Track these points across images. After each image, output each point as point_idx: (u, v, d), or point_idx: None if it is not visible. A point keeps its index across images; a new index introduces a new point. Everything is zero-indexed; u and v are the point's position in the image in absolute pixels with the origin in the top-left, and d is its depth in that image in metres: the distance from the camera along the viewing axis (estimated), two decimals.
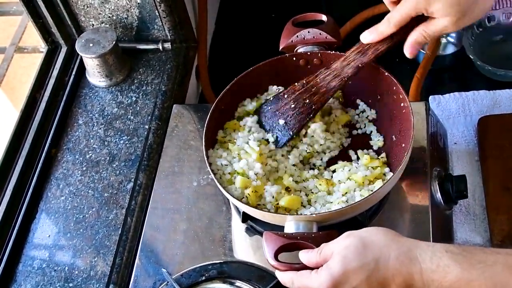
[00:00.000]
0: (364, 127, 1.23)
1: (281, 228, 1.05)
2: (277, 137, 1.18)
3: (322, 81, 1.16)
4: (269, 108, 1.20)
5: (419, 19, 1.05)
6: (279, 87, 1.26)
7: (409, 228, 1.17)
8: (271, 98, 1.21)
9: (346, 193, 1.10)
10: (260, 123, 1.21)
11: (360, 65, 1.13)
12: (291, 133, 1.17)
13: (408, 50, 1.08)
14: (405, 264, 0.87)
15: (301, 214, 1.08)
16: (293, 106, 1.17)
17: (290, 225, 1.04)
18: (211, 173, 1.13)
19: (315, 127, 1.19)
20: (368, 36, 1.11)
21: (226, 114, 1.24)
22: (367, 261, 0.88)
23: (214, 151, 1.19)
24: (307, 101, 1.16)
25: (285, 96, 1.18)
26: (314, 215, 1.04)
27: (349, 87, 1.22)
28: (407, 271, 0.87)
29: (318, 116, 1.20)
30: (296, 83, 1.18)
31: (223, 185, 1.13)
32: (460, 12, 1.00)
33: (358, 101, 1.25)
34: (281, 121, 1.17)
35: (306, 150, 1.18)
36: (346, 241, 0.92)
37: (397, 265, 0.87)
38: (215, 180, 1.12)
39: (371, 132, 1.22)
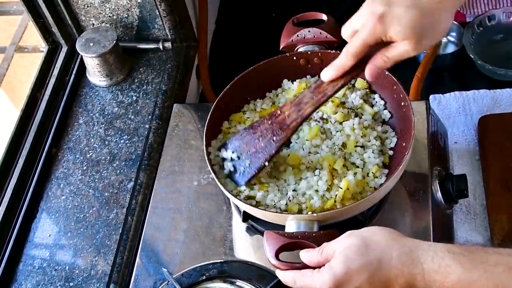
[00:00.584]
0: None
1: (282, 227, 1.05)
2: (235, 168, 1.14)
3: (287, 117, 1.11)
4: (236, 141, 1.15)
5: (379, 46, 1.01)
6: (293, 82, 1.25)
7: (410, 227, 1.17)
8: (240, 131, 1.17)
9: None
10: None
11: (318, 105, 1.09)
12: (251, 173, 1.11)
13: (368, 73, 1.02)
14: (407, 264, 0.87)
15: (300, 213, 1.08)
16: (257, 143, 1.13)
17: (291, 225, 1.04)
18: (210, 171, 1.13)
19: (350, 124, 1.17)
20: (328, 73, 1.05)
21: (226, 113, 1.24)
22: (370, 261, 0.88)
23: (216, 141, 1.19)
24: (274, 138, 1.11)
25: (251, 131, 1.14)
26: (315, 214, 1.04)
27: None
28: (409, 271, 0.87)
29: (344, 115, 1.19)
30: (261, 119, 1.14)
31: (222, 182, 1.13)
32: (420, 34, 0.96)
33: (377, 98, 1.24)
34: (247, 161, 1.13)
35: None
36: (348, 240, 0.92)
37: (399, 266, 0.87)
38: (215, 179, 1.12)
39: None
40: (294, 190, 1.11)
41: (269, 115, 1.13)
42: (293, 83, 1.26)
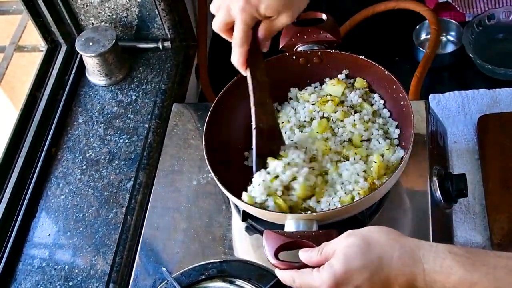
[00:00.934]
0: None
1: (281, 226, 1.05)
2: None
3: None
4: None
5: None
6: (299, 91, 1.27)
7: (409, 227, 1.17)
8: None
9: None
10: None
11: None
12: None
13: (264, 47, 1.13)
14: (408, 264, 0.87)
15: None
16: None
17: (290, 224, 1.04)
18: (210, 170, 1.13)
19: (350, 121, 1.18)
20: (238, 63, 1.12)
21: (226, 113, 1.24)
22: (370, 260, 0.88)
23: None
24: None
25: None
26: (314, 213, 1.04)
27: None
28: (410, 271, 0.87)
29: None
30: None
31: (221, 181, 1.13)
32: (288, 3, 1.05)
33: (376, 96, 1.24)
34: None
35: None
36: (348, 240, 0.92)
37: (400, 265, 0.87)
38: (214, 178, 1.12)
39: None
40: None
41: None
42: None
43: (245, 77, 1.24)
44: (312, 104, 1.21)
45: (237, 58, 1.11)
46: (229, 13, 1.08)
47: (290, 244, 1.00)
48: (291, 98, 1.27)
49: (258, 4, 1.04)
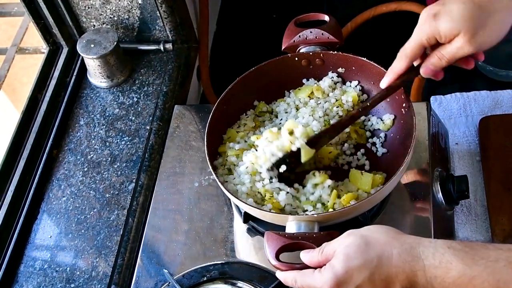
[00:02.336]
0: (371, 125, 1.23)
1: (283, 228, 1.05)
2: None
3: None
4: None
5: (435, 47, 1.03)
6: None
7: (411, 229, 1.17)
8: None
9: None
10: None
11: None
12: None
13: (423, 72, 1.06)
14: (408, 261, 0.87)
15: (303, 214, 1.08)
16: None
17: (292, 225, 1.04)
18: (212, 172, 1.13)
19: None
20: (386, 80, 1.09)
21: (227, 115, 1.24)
22: (370, 259, 0.88)
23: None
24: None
25: None
26: (315, 215, 1.04)
27: None
28: (410, 268, 0.87)
29: None
30: None
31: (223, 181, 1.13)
32: (472, 28, 0.96)
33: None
34: None
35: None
36: (348, 239, 0.92)
37: (399, 263, 0.87)
38: (216, 180, 1.12)
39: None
40: None
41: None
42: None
43: (246, 78, 1.24)
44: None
45: (390, 73, 1.08)
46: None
47: (291, 245, 1.00)
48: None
49: (441, 22, 0.98)
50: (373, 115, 1.23)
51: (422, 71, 1.05)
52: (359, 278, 0.88)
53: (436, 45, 1.02)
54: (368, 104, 1.13)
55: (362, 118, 1.23)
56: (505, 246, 0.85)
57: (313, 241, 0.99)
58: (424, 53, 1.05)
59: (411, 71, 1.08)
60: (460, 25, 0.96)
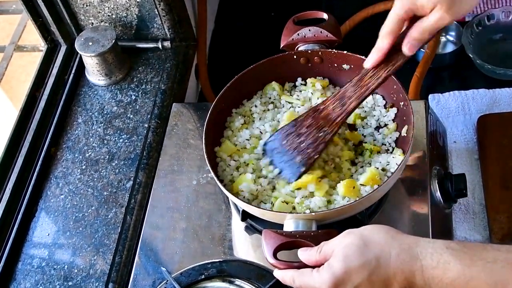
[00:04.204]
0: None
1: (281, 226, 1.05)
2: (280, 171, 1.13)
3: (331, 111, 1.11)
4: (275, 141, 1.15)
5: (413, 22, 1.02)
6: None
7: (409, 227, 1.17)
8: (277, 131, 1.16)
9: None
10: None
11: (362, 99, 1.09)
12: (302, 169, 1.10)
13: (406, 46, 1.03)
14: (406, 261, 0.87)
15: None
16: (303, 140, 1.12)
17: (289, 223, 1.04)
18: (210, 170, 1.13)
19: None
20: (370, 59, 1.06)
21: (226, 113, 1.24)
22: (369, 259, 0.88)
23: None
24: (320, 134, 1.11)
25: (293, 129, 1.13)
26: (313, 213, 1.04)
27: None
28: (409, 268, 0.87)
29: None
30: (304, 115, 1.14)
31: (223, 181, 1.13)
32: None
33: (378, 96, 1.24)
34: (298, 158, 1.11)
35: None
36: (347, 239, 0.92)
37: (398, 263, 0.87)
38: (214, 178, 1.12)
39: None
40: None
41: (312, 110, 1.14)
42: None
43: (244, 76, 1.24)
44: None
45: (374, 52, 1.05)
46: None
47: (289, 243, 1.00)
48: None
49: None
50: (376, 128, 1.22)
51: (406, 49, 1.03)
52: (358, 278, 0.88)
53: (414, 19, 1.01)
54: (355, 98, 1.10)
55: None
56: (503, 247, 0.85)
57: (311, 239, 0.99)
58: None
59: (396, 53, 1.05)
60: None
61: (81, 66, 1.58)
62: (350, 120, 1.21)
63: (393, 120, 1.19)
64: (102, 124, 1.47)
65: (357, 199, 1.06)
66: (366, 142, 1.18)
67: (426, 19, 0.99)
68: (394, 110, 1.19)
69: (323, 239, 0.96)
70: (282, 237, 1.00)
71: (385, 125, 1.20)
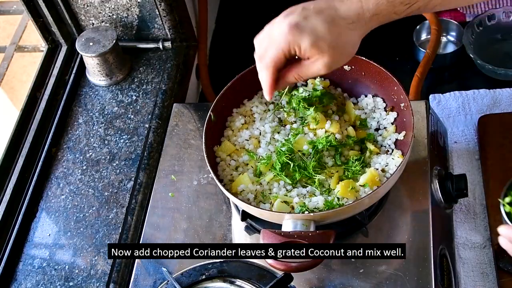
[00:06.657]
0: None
1: (280, 226, 1.05)
2: None
3: None
4: None
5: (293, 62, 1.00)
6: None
7: (409, 227, 1.17)
8: None
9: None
10: None
11: None
12: None
13: (278, 86, 1.02)
14: None
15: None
16: None
17: (288, 224, 1.04)
18: (210, 170, 1.13)
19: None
20: (266, 94, 1.03)
21: (226, 113, 1.24)
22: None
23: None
24: None
25: None
26: (311, 214, 1.04)
27: (352, 86, 1.24)
28: None
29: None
30: None
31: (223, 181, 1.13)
32: (332, 51, 0.95)
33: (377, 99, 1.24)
34: None
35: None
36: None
37: None
38: (214, 178, 1.12)
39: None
40: None
41: None
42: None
43: (245, 76, 1.24)
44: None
45: (265, 81, 1.02)
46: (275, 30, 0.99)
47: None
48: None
49: (303, 37, 0.95)
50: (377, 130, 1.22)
51: (277, 86, 1.02)
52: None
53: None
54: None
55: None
56: None
57: (308, 240, 0.99)
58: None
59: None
60: (322, 44, 0.95)
61: (82, 67, 1.58)
62: (350, 120, 1.21)
63: (393, 123, 1.19)
64: (103, 125, 1.47)
65: (356, 199, 1.06)
66: (367, 140, 1.18)
67: (305, 66, 0.98)
68: (394, 114, 1.19)
69: (320, 240, 0.96)
70: (280, 237, 1.00)
71: (385, 127, 1.20)
